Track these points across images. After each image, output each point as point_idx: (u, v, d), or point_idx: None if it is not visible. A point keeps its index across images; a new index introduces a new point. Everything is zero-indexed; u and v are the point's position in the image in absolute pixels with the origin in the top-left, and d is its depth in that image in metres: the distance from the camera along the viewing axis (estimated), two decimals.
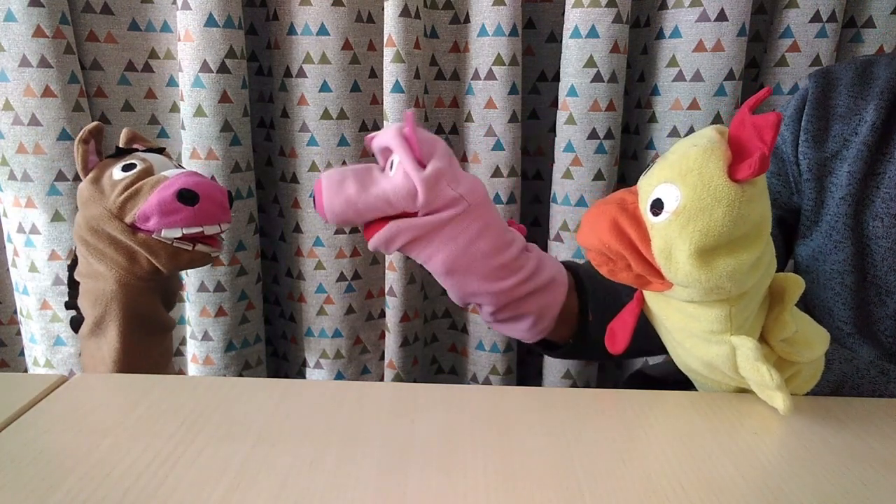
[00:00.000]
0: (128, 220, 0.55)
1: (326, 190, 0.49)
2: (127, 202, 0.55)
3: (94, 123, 0.58)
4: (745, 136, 0.36)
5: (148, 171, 0.57)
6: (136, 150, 0.60)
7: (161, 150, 0.61)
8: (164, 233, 0.55)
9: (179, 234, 0.55)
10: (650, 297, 0.45)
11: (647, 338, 0.47)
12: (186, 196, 0.54)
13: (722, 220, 0.36)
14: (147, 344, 0.60)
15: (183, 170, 0.59)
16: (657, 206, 0.39)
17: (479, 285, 0.50)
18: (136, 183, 0.55)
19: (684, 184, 0.37)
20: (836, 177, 0.58)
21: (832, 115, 0.59)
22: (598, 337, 0.56)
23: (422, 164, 0.47)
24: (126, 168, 0.57)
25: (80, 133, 0.57)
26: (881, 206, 0.55)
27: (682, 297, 0.40)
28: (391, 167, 0.49)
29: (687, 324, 0.42)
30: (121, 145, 0.61)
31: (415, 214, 0.48)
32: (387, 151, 0.50)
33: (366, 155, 0.88)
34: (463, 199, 0.48)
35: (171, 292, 0.64)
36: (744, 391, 0.45)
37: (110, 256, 0.56)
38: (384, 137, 0.49)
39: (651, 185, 0.40)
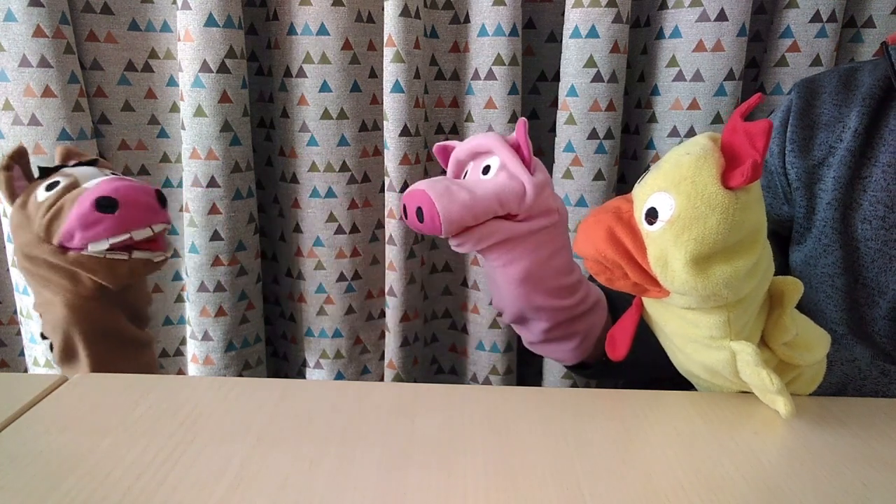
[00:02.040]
0: (55, 241, 0.52)
1: (439, 200, 0.48)
2: (51, 223, 0.52)
3: (15, 148, 0.55)
4: (737, 143, 0.36)
5: (73, 187, 0.54)
6: (63, 166, 0.57)
7: (93, 162, 0.58)
8: (90, 247, 0.52)
9: (107, 246, 0.52)
10: (649, 303, 0.45)
11: (647, 347, 0.47)
12: (104, 204, 0.51)
13: (716, 228, 0.36)
14: (122, 362, 0.58)
15: (105, 177, 0.55)
16: (652, 215, 0.39)
17: (545, 300, 0.51)
18: (58, 201, 0.53)
19: (678, 192, 0.37)
20: (824, 183, 0.59)
21: (816, 125, 0.60)
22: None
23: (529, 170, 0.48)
24: (50, 187, 0.54)
25: (1, 161, 0.54)
26: (869, 208, 0.56)
27: (680, 304, 0.40)
28: (470, 174, 0.50)
29: (686, 330, 0.42)
30: (57, 163, 0.58)
31: (512, 218, 0.49)
32: (467, 160, 0.51)
33: (366, 154, 0.88)
34: (557, 212, 0.50)
35: (137, 306, 0.61)
36: (744, 392, 0.45)
37: (54, 281, 0.54)
38: (484, 142, 0.50)
39: (645, 193, 0.39)
